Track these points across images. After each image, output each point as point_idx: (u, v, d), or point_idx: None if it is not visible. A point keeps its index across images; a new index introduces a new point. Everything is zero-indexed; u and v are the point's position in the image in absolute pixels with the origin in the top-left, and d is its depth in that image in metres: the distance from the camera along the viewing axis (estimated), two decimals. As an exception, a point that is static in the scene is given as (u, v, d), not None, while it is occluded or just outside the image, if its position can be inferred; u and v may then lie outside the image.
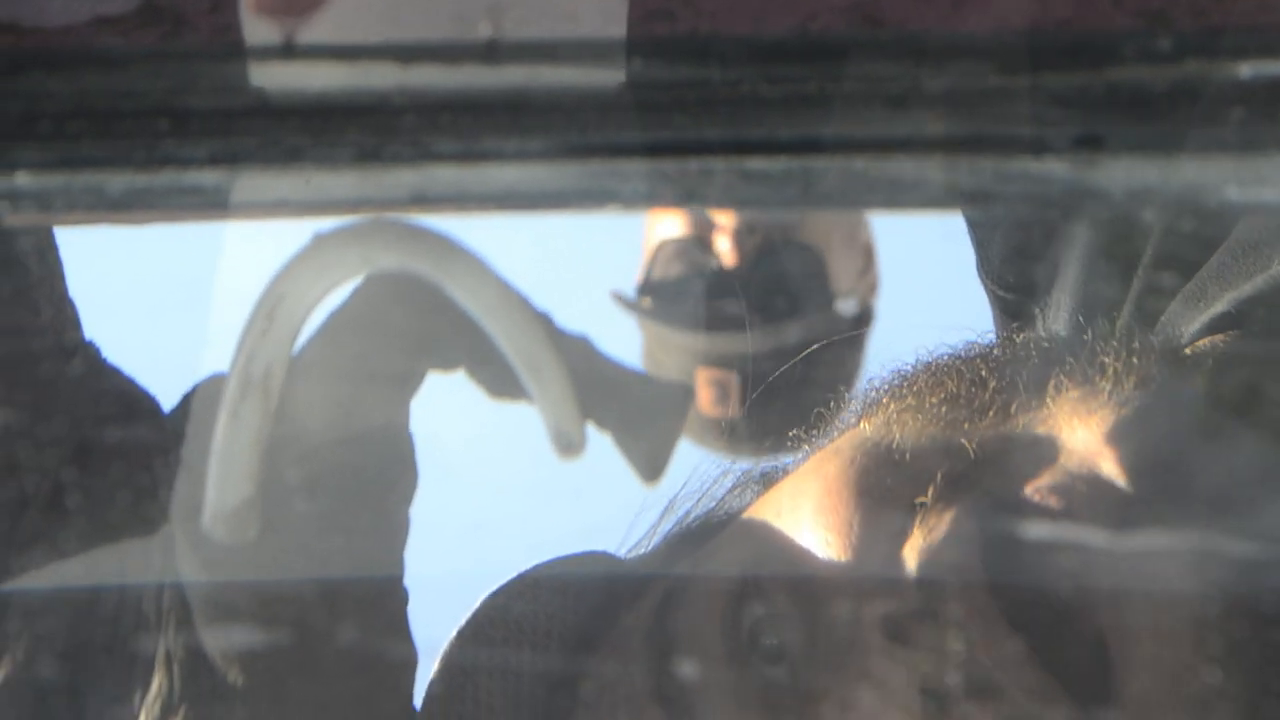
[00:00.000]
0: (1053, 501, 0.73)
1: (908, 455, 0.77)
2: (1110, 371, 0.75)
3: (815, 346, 0.87)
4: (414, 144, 0.59)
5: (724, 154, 0.62)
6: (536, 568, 0.89)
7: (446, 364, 0.82)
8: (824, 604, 0.74)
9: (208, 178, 0.60)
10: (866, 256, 0.96)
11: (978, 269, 0.89)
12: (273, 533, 0.78)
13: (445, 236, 0.75)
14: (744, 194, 0.62)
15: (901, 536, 0.75)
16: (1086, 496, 0.72)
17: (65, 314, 0.88)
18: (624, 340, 0.79)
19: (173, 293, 0.99)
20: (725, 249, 0.94)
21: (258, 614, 0.81)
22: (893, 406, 0.80)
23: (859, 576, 0.73)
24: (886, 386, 0.83)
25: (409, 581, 0.87)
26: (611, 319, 0.82)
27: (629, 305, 1.00)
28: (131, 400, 0.89)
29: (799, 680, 0.74)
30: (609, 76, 0.61)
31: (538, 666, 0.81)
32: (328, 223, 0.68)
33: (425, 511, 0.85)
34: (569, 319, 0.79)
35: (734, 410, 0.91)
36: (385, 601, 0.84)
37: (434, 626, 0.89)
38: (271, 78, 0.61)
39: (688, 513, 0.92)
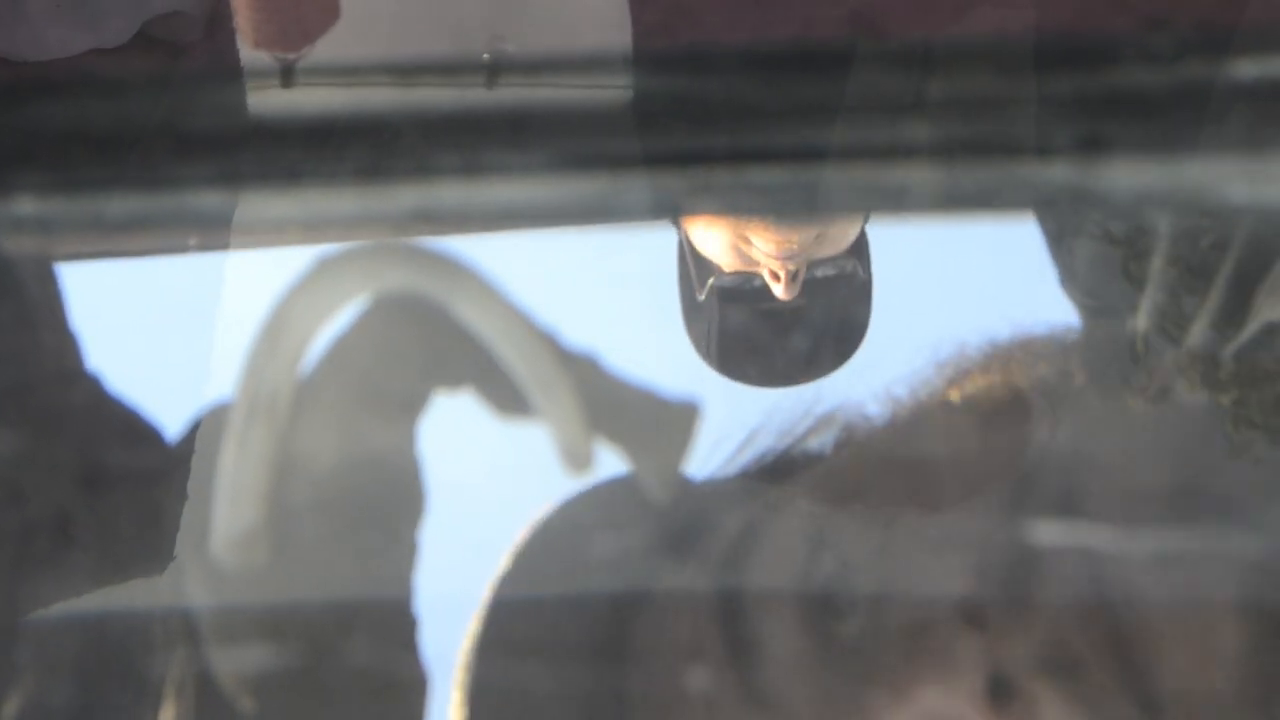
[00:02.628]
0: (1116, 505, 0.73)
1: (997, 438, 0.76)
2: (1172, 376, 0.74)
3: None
4: (415, 161, 0.59)
5: (726, 164, 0.61)
6: (612, 478, 0.88)
7: (453, 384, 0.81)
8: (900, 571, 0.73)
9: (208, 200, 0.60)
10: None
11: (1060, 280, 0.90)
12: (282, 557, 0.78)
13: (449, 256, 0.75)
14: (746, 204, 0.62)
15: (981, 519, 0.74)
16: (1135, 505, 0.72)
17: (67, 343, 0.88)
18: (631, 353, 0.79)
19: (175, 322, 0.99)
20: (778, 285, 0.94)
21: (268, 639, 0.81)
22: (983, 381, 0.80)
23: (938, 550, 0.73)
24: (976, 358, 0.83)
25: (419, 604, 0.87)
26: (618, 332, 0.83)
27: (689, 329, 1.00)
28: (135, 429, 0.89)
29: (865, 642, 0.74)
30: (611, 91, 0.61)
31: (605, 579, 0.81)
32: (330, 243, 0.68)
33: (435, 533, 0.85)
34: (576, 335, 0.79)
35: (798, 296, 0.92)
36: (396, 625, 0.84)
37: (445, 649, 0.88)
38: (270, 99, 0.61)
39: (768, 449, 0.91)
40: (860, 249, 1.00)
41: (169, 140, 0.59)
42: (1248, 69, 0.60)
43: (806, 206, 0.61)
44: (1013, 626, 0.71)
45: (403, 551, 0.84)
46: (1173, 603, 0.71)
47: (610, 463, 0.79)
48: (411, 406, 0.83)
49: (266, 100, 0.60)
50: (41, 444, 0.80)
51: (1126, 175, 0.61)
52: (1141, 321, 0.77)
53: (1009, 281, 0.84)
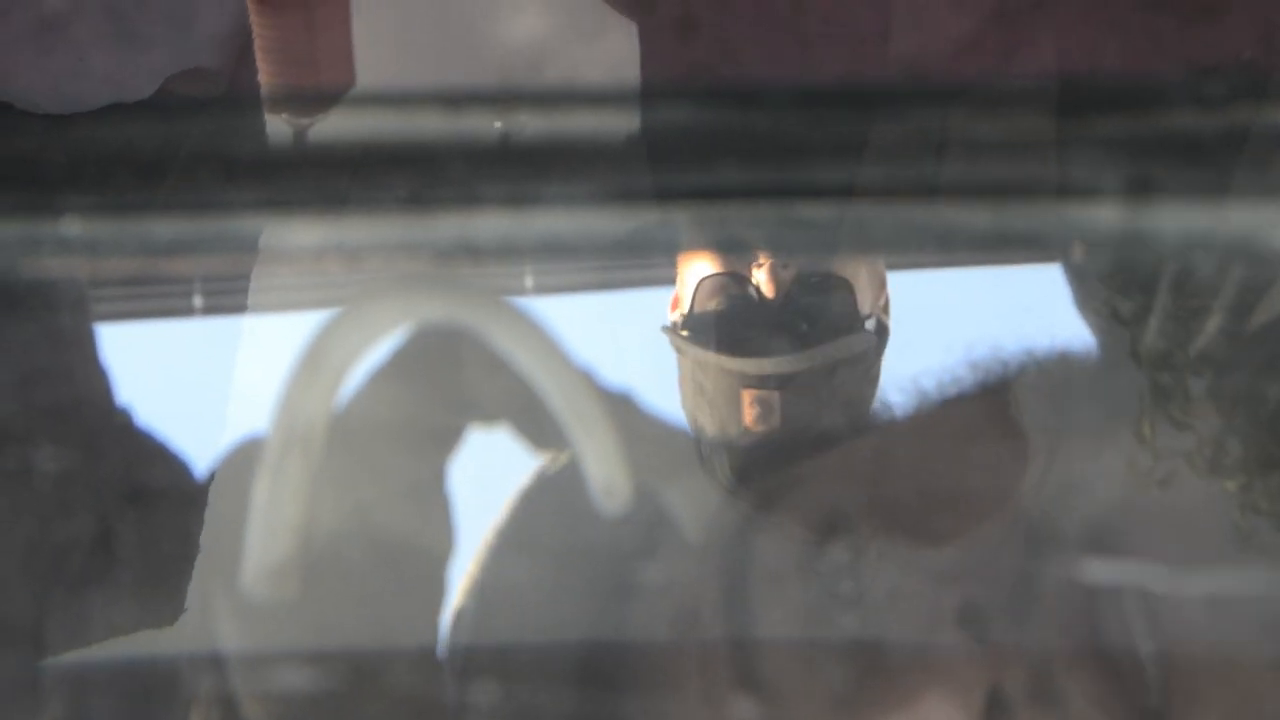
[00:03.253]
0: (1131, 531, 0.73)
1: (1017, 446, 0.76)
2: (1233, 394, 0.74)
3: (845, 360, 0.88)
4: (460, 189, 0.59)
5: (770, 200, 0.61)
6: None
7: (490, 418, 0.81)
8: (909, 571, 0.73)
9: (253, 224, 0.60)
10: (881, 280, 0.98)
11: (1076, 304, 0.90)
12: (313, 592, 0.78)
13: (488, 290, 0.75)
14: (789, 240, 0.61)
15: (996, 539, 0.74)
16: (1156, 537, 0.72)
17: (97, 375, 0.88)
18: (662, 394, 0.79)
19: (201, 367, 0.99)
20: (763, 281, 0.95)
21: (295, 674, 0.80)
22: (1002, 396, 0.80)
23: (950, 554, 0.73)
24: (1006, 371, 0.83)
25: (451, 645, 0.86)
26: (648, 378, 0.83)
27: (674, 335, 1.01)
28: (167, 461, 0.89)
29: (866, 637, 0.73)
30: (656, 124, 0.61)
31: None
32: (370, 272, 0.67)
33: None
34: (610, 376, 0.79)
35: (776, 424, 0.92)
36: (424, 664, 0.84)
37: (472, 691, 0.88)
38: (318, 125, 0.61)
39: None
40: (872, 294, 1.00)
41: (213, 164, 0.60)
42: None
43: (840, 244, 0.60)
44: (1012, 649, 0.71)
45: (434, 590, 0.84)
46: (1173, 647, 0.71)
47: (643, 500, 0.79)
48: (446, 442, 0.83)
49: (311, 125, 0.61)
50: (81, 461, 0.80)
51: (1173, 219, 0.61)
52: (1148, 405, 0.77)
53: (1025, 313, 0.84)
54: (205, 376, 0.93)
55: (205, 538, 0.82)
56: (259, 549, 0.76)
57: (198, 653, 0.81)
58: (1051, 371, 0.77)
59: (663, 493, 0.79)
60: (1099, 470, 0.74)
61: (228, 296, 0.78)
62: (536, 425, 0.79)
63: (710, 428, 0.89)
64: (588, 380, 0.77)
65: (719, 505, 0.78)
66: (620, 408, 0.79)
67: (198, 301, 0.80)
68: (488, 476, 0.86)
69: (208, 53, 0.66)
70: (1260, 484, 0.73)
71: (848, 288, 1.00)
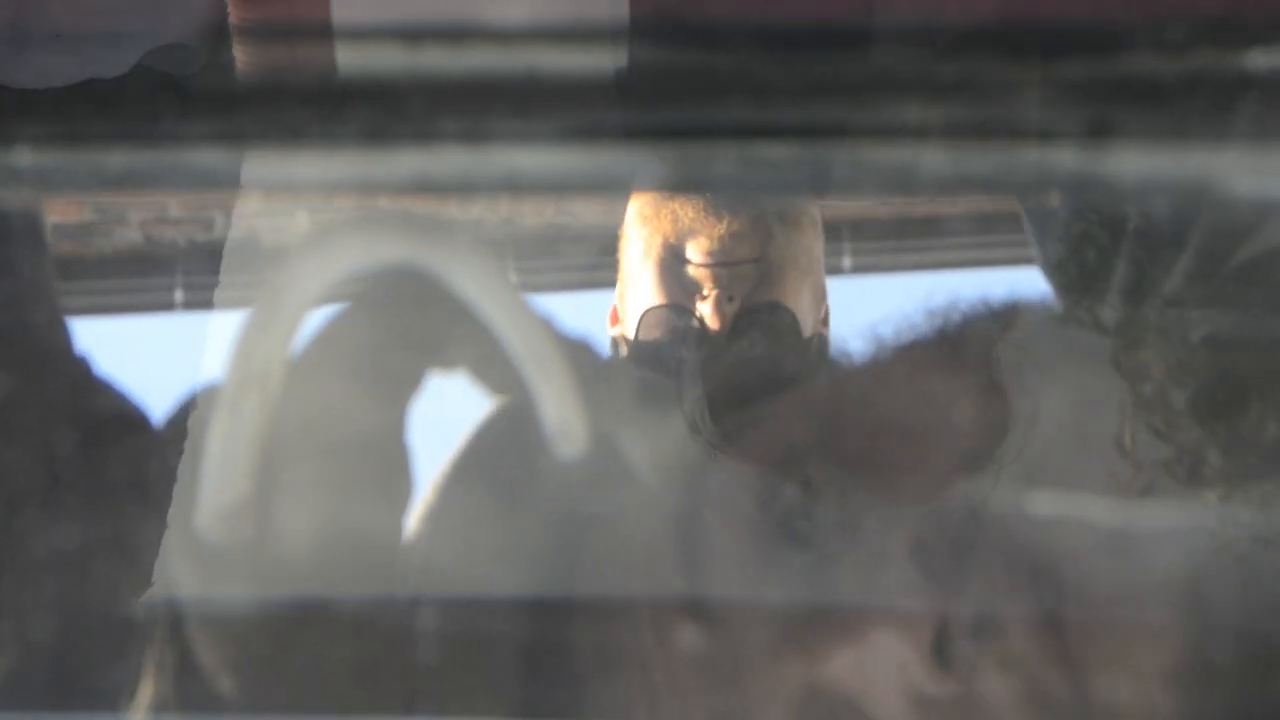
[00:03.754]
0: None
1: (954, 405, 0.76)
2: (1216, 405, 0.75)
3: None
4: (419, 125, 0.59)
5: (731, 139, 0.61)
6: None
7: (449, 364, 0.81)
8: (863, 509, 0.73)
9: (209, 156, 0.59)
10: (822, 294, 1.00)
11: (1040, 265, 0.90)
12: (267, 534, 0.77)
13: (449, 229, 0.74)
14: (751, 179, 0.61)
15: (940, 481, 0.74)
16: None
17: (57, 324, 0.87)
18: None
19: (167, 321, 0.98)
20: (707, 314, 0.95)
21: (250, 617, 0.80)
22: (960, 345, 0.80)
23: (902, 492, 0.73)
24: (960, 319, 0.83)
25: (406, 590, 0.86)
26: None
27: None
28: (123, 413, 0.89)
29: (818, 574, 0.74)
30: (618, 61, 0.61)
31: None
32: (329, 206, 0.67)
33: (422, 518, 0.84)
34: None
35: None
36: (380, 608, 0.83)
37: (431, 639, 0.88)
38: (275, 58, 0.60)
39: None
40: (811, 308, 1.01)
41: (171, 96, 0.59)
42: (1259, 60, 0.60)
43: (812, 185, 0.60)
44: (958, 586, 0.71)
45: (391, 534, 0.84)
46: (1118, 588, 0.71)
47: (602, 444, 0.79)
48: (405, 386, 0.82)
49: (270, 59, 0.60)
50: (30, 413, 0.79)
51: (1133, 162, 0.61)
52: (1128, 415, 0.77)
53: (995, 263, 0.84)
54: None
55: (161, 479, 0.81)
56: (213, 491, 0.76)
57: (153, 594, 0.81)
58: (1009, 317, 0.77)
59: (619, 436, 0.79)
60: (1049, 408, 0.75)
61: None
62: (496, 370, 0.79)
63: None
64: (546, 325, 0.77)
65: (677, 448, 0.78)
66: (578, 353, 0.79)
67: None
68: (448, 421, 0.86)
69: (185, 29, 0.65)
70: (1240, 494, 0.73)
71: (791, 316, 1.01)
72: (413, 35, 0.59)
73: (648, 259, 0.97)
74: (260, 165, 0.60)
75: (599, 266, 0.85)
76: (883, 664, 0.72)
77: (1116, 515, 0.69)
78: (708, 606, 0.74)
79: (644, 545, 0.76)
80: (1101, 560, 0.70)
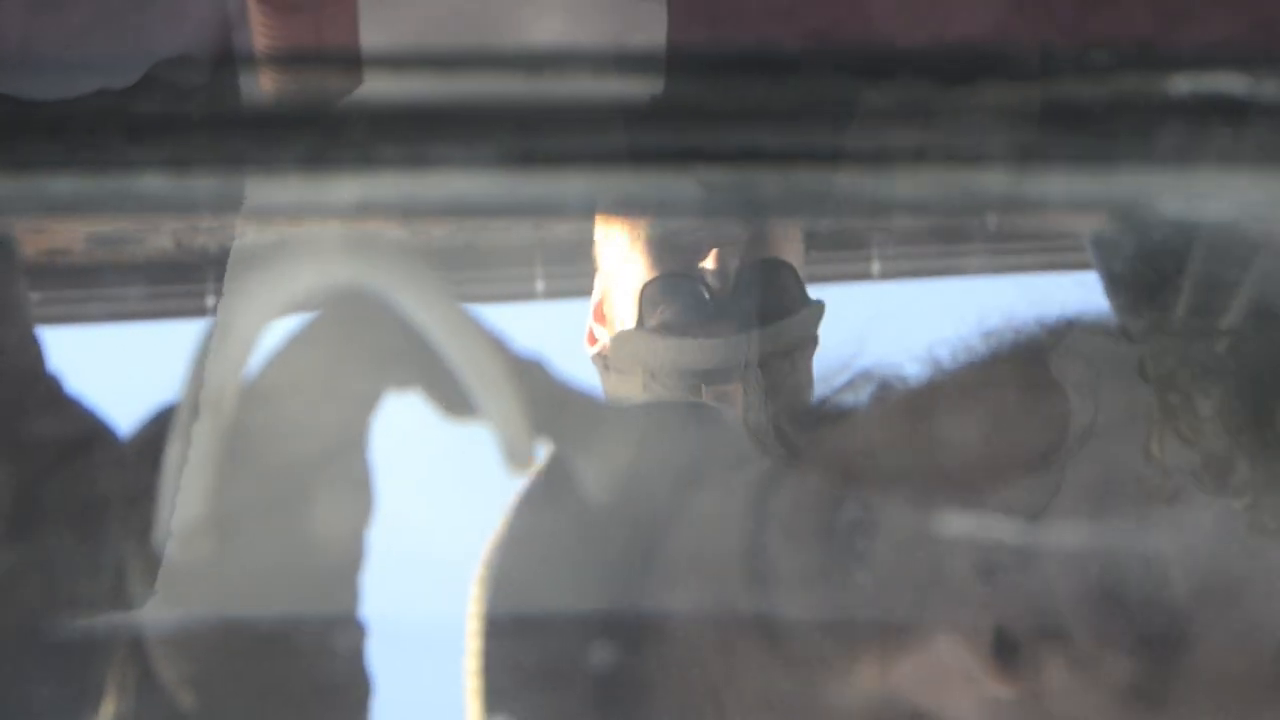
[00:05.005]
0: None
1: (1028, 412, 0.77)
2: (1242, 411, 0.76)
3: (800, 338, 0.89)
4: (360, 150, 0.60)
5: (670, 164, 0.62)
6: (651, 404, 0.88)
7: (403, 383, 0.82)
8: (922, 525, 0.74)
9: (154, 182, 0.61)
10: (802, 255, 1.00)
11: (1118, 310, 0.91)
12: (226, 556, 0.78)
13: (400, 252, 0.75)
14: (689, 204, 0.63)
15: (1010, 490, 0.75)
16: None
17: (29, 343, 0.88)
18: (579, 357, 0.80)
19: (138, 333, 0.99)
20: (711, 276, 0.96)
21: (210, 636, 0.81)
22: (1026, 359, 0.81)
23: (962, 511, 0.74)
24: (1023, 336, 0.83)
25: (366, 610, 0.87)
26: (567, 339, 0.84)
27: (619, 359, 1.01)
28: (91, 429, 0.90)
29: (881, 590, 0.74)
30: (562, 87, 0.62)
31: (644, 487, 0.81)
32: (276, 231, 0.68)
33: (381, 536, 0.85)
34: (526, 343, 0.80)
35: (739, 413, 0.94)
36: (341, 625, 0.84)
37: (391, 651, 0.89)
38: (220, 84, 0.62)
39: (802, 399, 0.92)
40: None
41: (118, 120, 0.60)
42: (1181, 84, 0.61)
43: (745, 208, 0.62)
44: (1022, 592, 0.72)
45: (351, 552, 0.84)
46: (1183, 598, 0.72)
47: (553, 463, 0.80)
48: (362, 405, 0.83)
49: (218, 86, 0.61)
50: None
51: (1061, 185, 0.63)
52: (1156, 422, 0.78)
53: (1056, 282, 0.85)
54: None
55: (124, 497, 0.82)
56: (171, 513, 0.77)
57: (114, 618, 0.82)
58: (1077, 338, 0.78)
59: (570, 455, 0.80)
60: (1106, 420, 0.75)
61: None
62: (447, 390, 0.79)
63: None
64: (497, 345, 0.78)
65: (626, 468, 0.79)
66: (530, 373, 0.80)
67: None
68: (408, 442, 0.87)
69: (194, 39, 0.66)
70: (1269, 501, 0.74)
71: (792, 270, 1.02)
72: (442, 60, 0.61)
73: (635, 243, 0.98)
74: (204, 190, 0.62)
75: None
76: (949, 673, 0.72)
77: (1173, 525, 0.70)
78: (774, 624, 0.75)
79: (710, 565, 0.77)
80: (1165, 570, 0.71)
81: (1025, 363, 0.78)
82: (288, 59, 0.65)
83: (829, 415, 0.82)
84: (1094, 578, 0.72)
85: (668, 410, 0.87)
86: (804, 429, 0.82)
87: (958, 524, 0.72)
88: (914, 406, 0.79)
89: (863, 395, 0.82)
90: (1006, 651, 0.72)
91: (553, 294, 0.86)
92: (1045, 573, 0.72)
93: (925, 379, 0.79)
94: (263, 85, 0.66)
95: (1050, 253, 0.84)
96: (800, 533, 0.76)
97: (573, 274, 0.87)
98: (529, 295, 0.87)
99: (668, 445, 0.82)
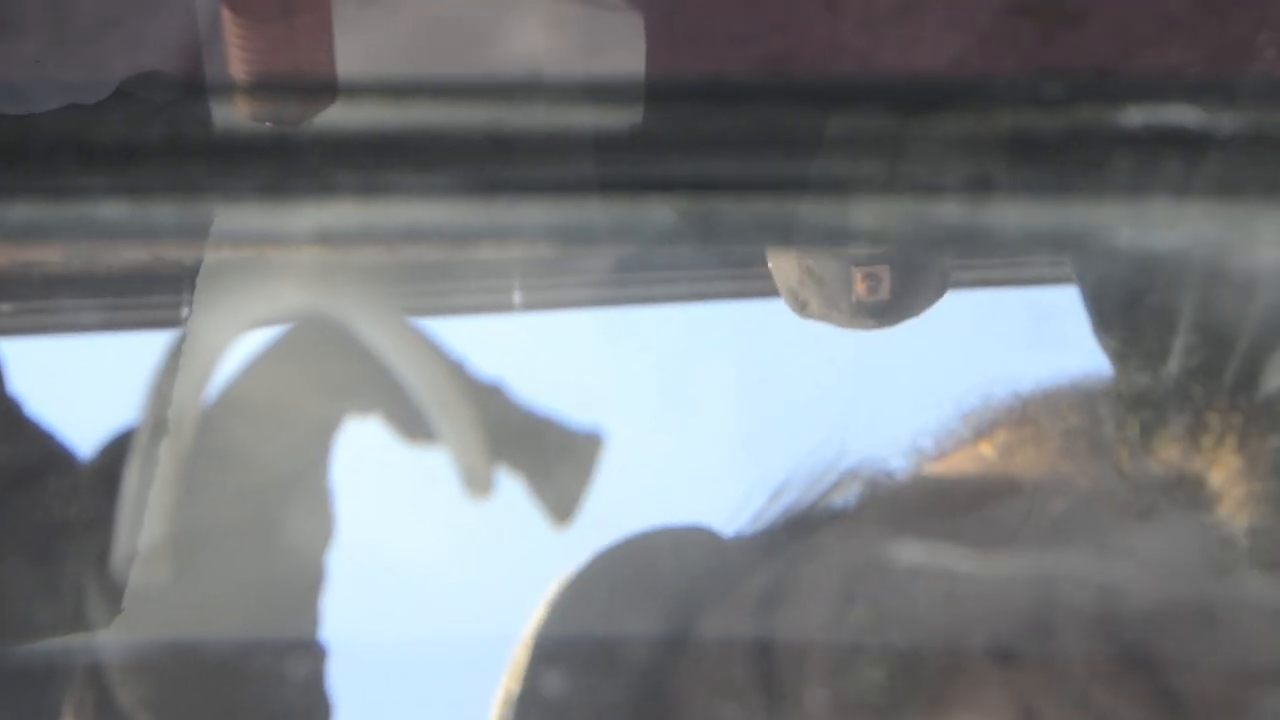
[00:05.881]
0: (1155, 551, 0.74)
1: (1026, 486, 0.77)
2: (1213, 428, 0.76)
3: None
4: (317, 179, 0.60)
5: (623, 194, 0.62)
6: (643, 533, 0.89)
7: (363, 409, 0.82)
8: (931, 619, 0.74)
9: (110, 210, 0.61)
10: None
11: (1093, 327, 0.91)
12: (186, 579, 0.78)
13: (357, 279, 0.75)
14: (640, 233, 0.63)
15: (1016, 565, 0.75)
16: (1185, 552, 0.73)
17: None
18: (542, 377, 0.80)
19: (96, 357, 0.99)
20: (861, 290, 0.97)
21: (168, 660, 0.81)
22: (1013, 434, 0.81)
23: (969, 596, 0.74)
24: (1003, 410, 0.84)
25: (326, 634, 0.87)
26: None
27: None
28: (50, 453, 0.89)
29: (897, 687, 0.74)
30: (518, 117, 0.63)
31: (640, 628, 0.81)
32: (232, 257, 0.68)
33: (342, 559, 0.85)
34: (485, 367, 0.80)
35: (887, 294, 0.94)
36: (302, 650, 0.84)
37: (351, 675, 0.89)
38: (177, 112, 0.62)
39: (795, 503, 0.92)
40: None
41: (73, 148, 0.60)
42: (1135, 116, 0.62)
43: (702, 237, 0.62)
44: (1041, 667, 0.72)
45: (311, 576, 0.84)
46: (1203, 660, 0.72)
47: (511, 489, 0.80)
48: (322, 430, 0.84)
49: (187, 109, 0.62)
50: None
51: (1014, 216, 0.63)
52: (1129, 438, 0.78)
53: (1027, 342, 0.85)
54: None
55: (82, 521, 0.82)
56: (129, 535, 0.77)
57: (72, 640, 0.82)
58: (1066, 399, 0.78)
59: (529, 482, 0.80)
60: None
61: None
62: (406, 416, 0.80)
63: (819, 307, 0.90)
64: (456, 370, 0.78)
65: (583, 496, 0.79)
66: (490, 398, 0.80)
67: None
68: (367, 465, 0.87)
69: (165, 56, 0.67)
70: (1242, 519, 0.74)
71: None
72: (313, 90, 0.61)
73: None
74: (160, 217, 0.62)
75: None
76: None
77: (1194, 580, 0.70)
78: (784, 683, 0.75)
79: (725, 680, 0.77)
80: (1184, 627, 0.71)
81: (1019, 434, 0.79)
82: (262, 82, 0.66)
83: (820, 520, 0.83)
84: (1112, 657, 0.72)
85: (655, 540, 0.87)
86: (797, 536, 0.83)
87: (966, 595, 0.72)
88: (905, 505, 0.79)
89: (851, 496, 0.83)
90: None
91: (531, 306, 0.86)
92: (1064, 648, 0.72)
93: (913, 472, 0.80)
94: (238, 110, 0.66)
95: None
96: (808, 641, 0.75)
97: (550, 286, 0.87)
98: (506, 308, 0.87)
99: (660, 579, 0.82)
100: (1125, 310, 0.79)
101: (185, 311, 0.76)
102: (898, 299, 0.91)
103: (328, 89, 0.62)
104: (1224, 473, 0.77)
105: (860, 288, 0.90)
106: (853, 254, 0.90)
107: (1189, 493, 0.75)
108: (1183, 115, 0.62)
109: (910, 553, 0.76)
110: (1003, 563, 0.74)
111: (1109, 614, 0.73)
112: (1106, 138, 0.62)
